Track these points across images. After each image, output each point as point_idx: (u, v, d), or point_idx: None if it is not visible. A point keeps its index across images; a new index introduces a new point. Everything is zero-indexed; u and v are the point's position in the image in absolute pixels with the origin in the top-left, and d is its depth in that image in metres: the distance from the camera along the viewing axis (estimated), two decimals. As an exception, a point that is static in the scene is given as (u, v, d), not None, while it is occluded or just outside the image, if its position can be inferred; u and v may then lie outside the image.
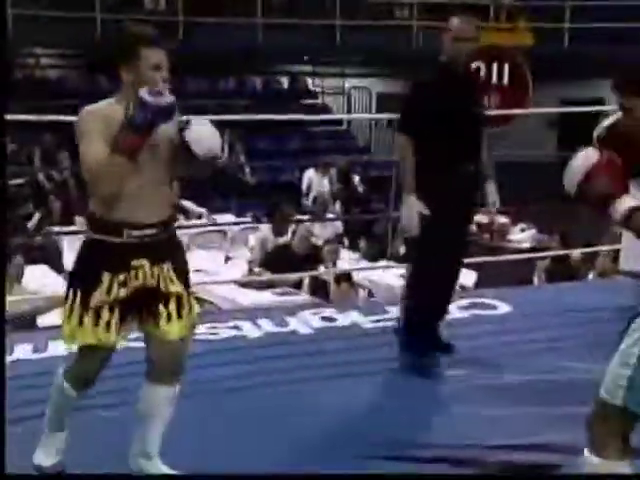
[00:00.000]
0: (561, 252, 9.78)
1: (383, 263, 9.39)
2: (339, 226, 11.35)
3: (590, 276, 9.00)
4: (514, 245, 11.47)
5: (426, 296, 4.96)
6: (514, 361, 5.06)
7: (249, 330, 5.57)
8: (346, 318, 5.85)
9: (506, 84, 14.67)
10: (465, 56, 5.01)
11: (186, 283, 3.48)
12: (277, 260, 8.53)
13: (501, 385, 4.76)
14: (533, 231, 11.88)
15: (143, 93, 3.11)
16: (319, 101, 18.18)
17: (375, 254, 10.41)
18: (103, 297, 3.30)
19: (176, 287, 3.41)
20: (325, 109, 17.70)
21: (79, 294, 3.31)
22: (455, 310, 5.90)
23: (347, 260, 9.56)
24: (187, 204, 11.90)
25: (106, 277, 3.29)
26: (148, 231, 3.33)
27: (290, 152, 16.27)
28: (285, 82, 18.18)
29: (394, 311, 5.97)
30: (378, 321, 5.80)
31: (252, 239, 9.09)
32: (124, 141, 3.14)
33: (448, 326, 5.59)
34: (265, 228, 9.20)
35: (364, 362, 5.03)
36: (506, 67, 14.73)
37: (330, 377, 4.80)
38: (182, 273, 3.46)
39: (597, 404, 2.90)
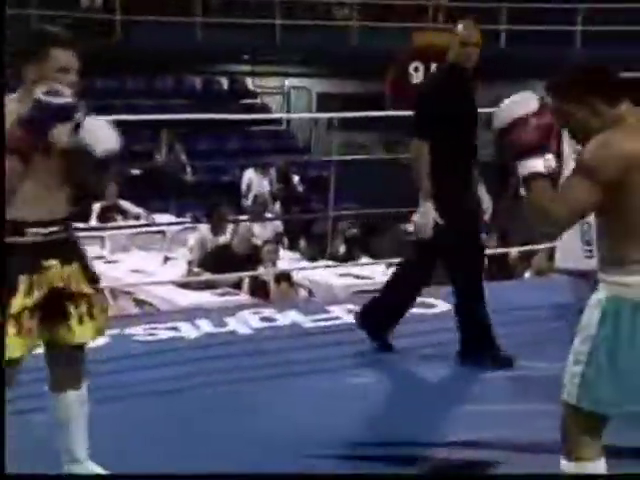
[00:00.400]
0: (499, 251, 9.87)
1: (323, 263, 9.40)
2: (279, 226, 11.34)
3: (527, 274, 9.09)
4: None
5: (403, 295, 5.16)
6: (451, 358, 5.07)
7: (188, 331, 5.56)
8: (286, 318, 5.85)
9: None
10: (473, 60, 5.07)
11: (95, 282, 3.41)
12: (216, 260, 8.49)
13: (437, 382, 4.80)
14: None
15: (39, 92, 3.05)
16: (258, 101, 18.15)
17: (315, 254, 10.43)
18: (23, 301, 3.18)
19: (86, 287, 3.34)
20: (265, 109, 17.67)
21: None
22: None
23: (287, 260, 9.56)
24: (125, 204, 11.81)
25: (22, 280, 3.18)
26: (51, 228, 3.25)
27: (230, 152, 16.22)
28: (224, 82, 18.11)
29: (334, 310, 6.00)
30: (318, 320, 5.82)
31: (191, 239, 9.04)
32: (15, 139, 3.04)
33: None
34: (204, 228, 9.17)
35: (304, 362, 5.04)
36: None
37: (270, 377, 4.80)
38: (90, 273, 3.39)
39: (563, 407, 2.91)
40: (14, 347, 3.14)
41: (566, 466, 2.88)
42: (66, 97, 3.08)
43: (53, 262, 3.25)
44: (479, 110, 5.21)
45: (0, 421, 2.86)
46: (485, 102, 5.47)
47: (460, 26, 5.06)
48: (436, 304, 6.10)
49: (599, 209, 2.79)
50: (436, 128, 4.90)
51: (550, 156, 2.83)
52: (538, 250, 8.63)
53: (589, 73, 2.93)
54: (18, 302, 3.16)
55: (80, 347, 3.40)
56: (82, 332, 3.33)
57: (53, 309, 3.27)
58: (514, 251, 9.78)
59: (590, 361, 2.80)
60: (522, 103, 2.86)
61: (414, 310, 5.91)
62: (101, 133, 3.19)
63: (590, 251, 6.70)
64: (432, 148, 4.92)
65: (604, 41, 16.91)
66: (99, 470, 3.50)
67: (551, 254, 7.20)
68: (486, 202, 5.30)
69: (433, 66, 14.85)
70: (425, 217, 4.93)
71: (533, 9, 17.12)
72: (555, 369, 4.80)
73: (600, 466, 2.88)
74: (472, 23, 5.12)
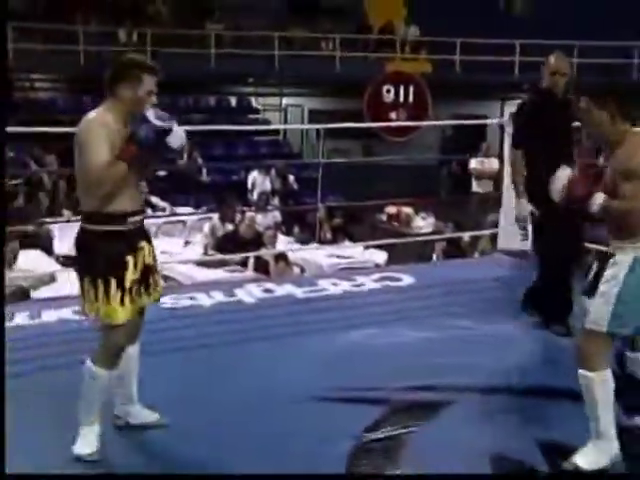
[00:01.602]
0: (453, 235, 9.88)
1: (313, 245, 9.40)
2: (277, 216, 11.34)
3: (475, 254, 9.11)
4: (417, 231, 11.54)
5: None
6: (414, 321, 5.08)
7: (204, 300, 5.55)
8: (283, 290, 5.84)
9: (410, 102, 14.79)
10: (561, 86, 4.94)
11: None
12: (226, 244, 8.50)
13: (404, 340, 4.80)
14: (432, 219, 11.96)
15: (151, 117, 3.12)
16: (261, 116, 18.11)
17: (306, 238, 10.42)
18: (132, 276, 3.24)
19: (156, 262, 3.43)
20: (266, 122, 17.65)
21: (112, 279, 3.19)
22: (370, 282, 5.96)
23: (284, 243, 9.56)
24: (154, 199, 11.87)
25: (129, 259, 3.23)
26: (137, 217, 3.30)
27: (238, 157, 16.18)
28: (234, 100, 18.07)
29: (322, 284, 6.01)
30: (309, 292, 5.80)
31: (205, 227, 9.04)
32: (127, 151, 3.11)
33: (363, 294, 5.66)
34: (215, 218, 9.17)
35: (298, 324, 5.05)
36: (410, 89, 14.85)
37: (269, 336, 4.78)
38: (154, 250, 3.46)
39: (585, 333, 3.28)
40: (121, 314, 3.22)
41: (591, 376, 3.21)
42: (169, 120, 3.18)
43: (144, 244, 3.32)
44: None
45: (0, 421, 2.84)
46: (444, 115, 5.47)
47: (551, 58, 4.95)
48: (404, 278, 6.10)
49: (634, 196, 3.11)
50: (528, 139, 4.88)
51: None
52: (483, 235, 8.65)
53: (616, 90, 3.26)
54: (129, 277, 3.22)
55: (143, 310, 3.44)
56: (155, 297, 3.41)
57: (145, 280, 3.32)
58: (466, 236, 9.80)
59: (619, 300, 3.16)
60: (561, 177, 3.29)
61: (386, 283, 5.96)
62: (178, 132, 3.22)
63: (525, 235, 6.73)
64: (528, 156, 4.85)
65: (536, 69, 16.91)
66: (145, 411, 3.53)
67: (493, 238, 7.24)
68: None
69: (401, 88, 14.91)
70: (523, 210, 4.92)
71: (481, 43, 17.12)
72: (496, 329, 4.91)
73: (609, 374, 3.25)
74: (561, 55, 4.99)
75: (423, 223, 11.83)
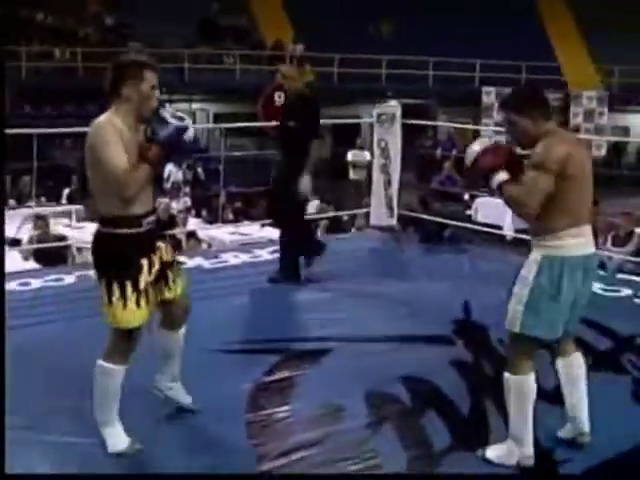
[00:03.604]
0: (334, 214, 9.95)
1: (218, 225, 9.31)
2: (188, 201, 11.20)
3: (353, 230, 9.20)
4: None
5: None
6: (304, 285, 5.05)
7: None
8: (193, 262, 5.75)
9: (297, 106, 14.81)
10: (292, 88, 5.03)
11: (174, 250, 3.08)
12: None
13: (296, 300, 4.81)
14: (317, 202, 12.01)
15: (168, 117, 2.73)
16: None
17: (212, 219, 10.32)
18: (147, 278, 2.80)
19: (172, 255, 2.98)
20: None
21: (128, 282, 2.75)
22: (265, 254, 5.92)
23: (194, 224, 9.44)
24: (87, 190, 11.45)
25: (144, 262, 2.79)
26: (152, 218, 2.84)
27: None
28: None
29: (225, 257, 5.95)
30: (214, 263, 5.74)
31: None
32: (151, 152, 2.70)
33: (259, 264, 5.63)
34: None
35: (205, 290, 4.97)
36: (297, 95, 14.88)
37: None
38: (170, 243, 3.07)
39: (507, 335, 2.82)
40: (136, 317, 2.79)
41: (509, 378, 2.78)
42: (183, 118, 2.78)
43: (161, 244, 2.89)
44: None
45: (0, 421, 2.49)
46: (325, 116, 5.47)
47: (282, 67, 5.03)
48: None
49: (532, 185, 2.65)
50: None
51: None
52: (358, 214, 8.75)
53: (532, 92, 2.82)
54: (144, 279, 2.79)
55: (182, 298, 3.04)
56: (176, 291, 2.97)
57: (162, 277, 2.90)
58: (345, 215, 9.89)
59: (530, 300, 2.71)
60: (478, 145, 2.79)
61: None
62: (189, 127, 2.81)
63: (391, 213, 6.83)
64: None
65: (399, 79, 17.24)
66: (183, 393, 3.17)
67: (367, 217, 7.33)
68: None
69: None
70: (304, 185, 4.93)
71: (355, 58, 17.31)
72: (369, 288, 4.98)
73: (531, 379, 2.77)
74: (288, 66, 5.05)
75: (310, 205, 11.86)
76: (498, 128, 16.28)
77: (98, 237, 2.81)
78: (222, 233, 8.16)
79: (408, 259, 5.98)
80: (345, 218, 10.03)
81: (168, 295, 2.95)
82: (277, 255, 5.41)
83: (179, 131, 2.75)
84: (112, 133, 2.68)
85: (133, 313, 2.78)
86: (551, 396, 3.13)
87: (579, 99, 18.91)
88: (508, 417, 2.85)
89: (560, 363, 2.94)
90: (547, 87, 18.63)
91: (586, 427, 2.93)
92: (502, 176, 2.72)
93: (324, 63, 17.66)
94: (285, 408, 3.29)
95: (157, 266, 2.85)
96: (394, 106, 6.69)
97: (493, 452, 2.87)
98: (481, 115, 18.02)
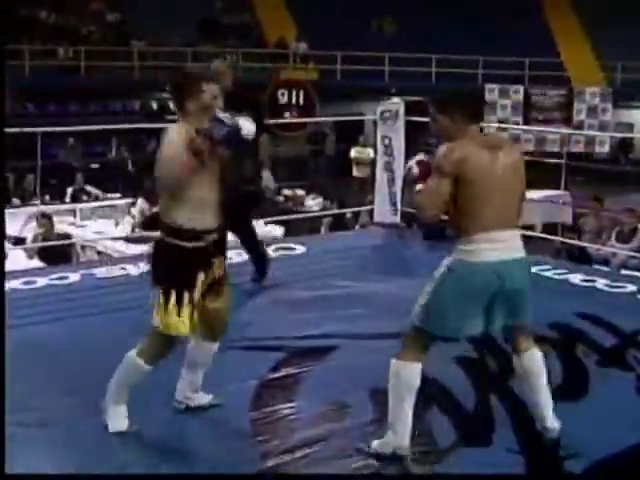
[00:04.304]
0: (338, 212, 9.96)
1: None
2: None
3: (356, 227, 9.21)
4: (308, 209, 11.59)
5: None
6: (308, 282, 5.08)
7: (132, 270, 5.40)
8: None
9: (301, 104, 14.83)
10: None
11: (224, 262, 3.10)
12: (150, 222, 8.31)
13: (299, 298, 4.81)
14: (320, 199, 12.03)
15: (223, 118, 2.90)
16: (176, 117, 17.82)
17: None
18: (200, 293, 2.90)
19: (224, 270, 3.05)
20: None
21: (185, 293, 2.86)
22: (270, 251, 5.89)
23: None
24: (91, 189, 11.65)
25: (200, 276, 2.89)
26: (215, 234, 2.94)
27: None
28: (155, 105, 17.76)
29: (231, 253, 5.88)
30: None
31: (134, 209, 8.83)
32: (213, 152, 2.84)
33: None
34: (142, 201, 8.94)
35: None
36: (301, 93, 14.91)
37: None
38: (225, 257, 3.11)
39: (410, 326, 2.83)
40: (186, 326, 2.88)
41: (392, 363, 2.80)
42: (234, 122, 2.92)
43: (218, 258, 2.97)
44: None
45: (0, 421, 2.47)
46: (329, 113, 5.46)
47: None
48: (297, 248, 6.07)
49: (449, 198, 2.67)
50: None
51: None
52: (362, 211, 8.75)
53: (462, 95, 2.85)
54: (198, 292, 2.89)
55: (223, 311, 3.08)
56: (222, 302, 3.04)
57: (211, 290, 2.98)
58: (348, 212, 9.89)
59: (433, 299, 2.74)
60: (415, 160, 2.84)
61: (282, 252, 5.94)
62: (246, 124, 2.96)
63: (395, 210, 6.82)
64: None
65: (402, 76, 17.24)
66: (203, 395, 3.21)
67: (370, 213, 7.32)
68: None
69: (293, 92, 14.94)
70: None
71: (358, 55, 17.31)
72: (372, 286, 4.98)
73: (413, 368, 2.77)
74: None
75: (313, 202, 11.90)
76: (501, 125, 16.35)
77: (161, 246, 2.92)
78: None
79: (412, 256, 5.97)
80: (348, 215, 10.04)
81: (213, 306, 3.01)
82: (282, 252, 5.41)
83: (237, 130, 2.91)
84: (179, 147, 2.79)
85: (183, 322, 2.88)
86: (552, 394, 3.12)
87: (582, 95, 18.86)
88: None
89: (516, 360, 2.92)
90: (550, 83, 18.74)
91: (549, 422, 2.89)
92: (418, 186, 2.76)
93: (327, 61, 17.64)
94: (290, 405, 3.29)
95: (209, 280, 2.94)
96: (397, 103, 6.68)
97: (376, 441, 2.85)
98: (484, 112, 18.00)
